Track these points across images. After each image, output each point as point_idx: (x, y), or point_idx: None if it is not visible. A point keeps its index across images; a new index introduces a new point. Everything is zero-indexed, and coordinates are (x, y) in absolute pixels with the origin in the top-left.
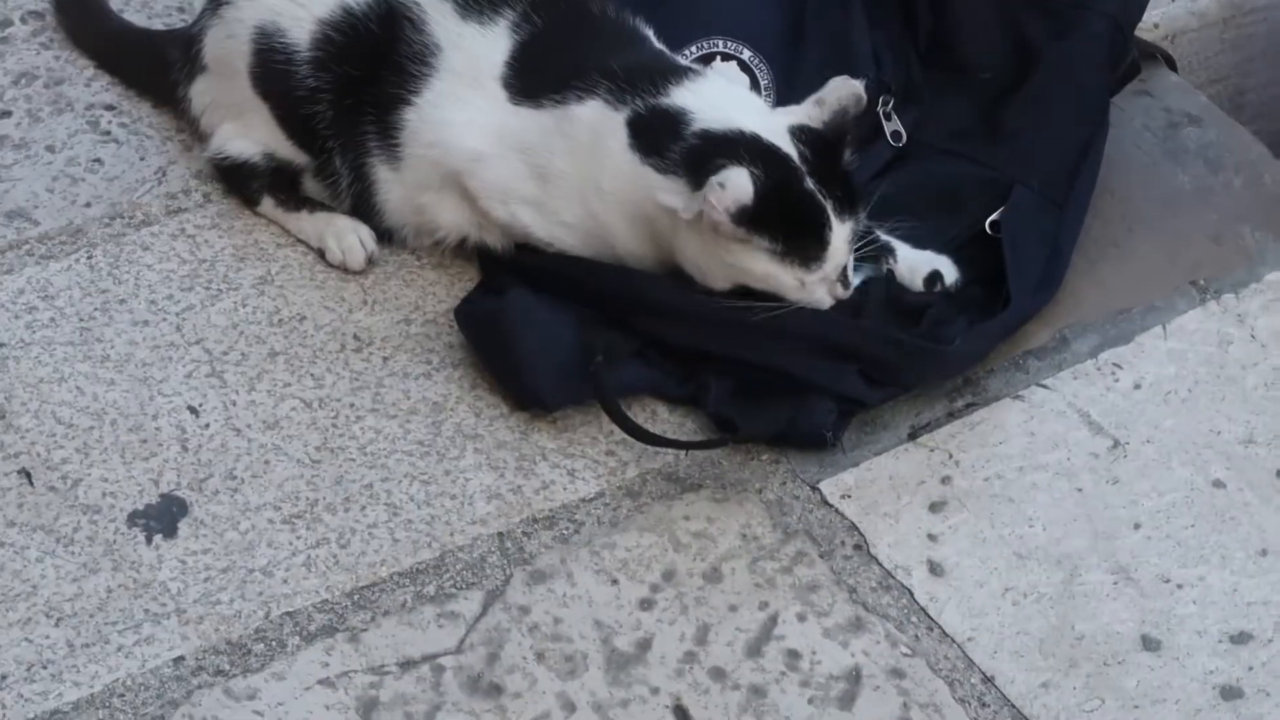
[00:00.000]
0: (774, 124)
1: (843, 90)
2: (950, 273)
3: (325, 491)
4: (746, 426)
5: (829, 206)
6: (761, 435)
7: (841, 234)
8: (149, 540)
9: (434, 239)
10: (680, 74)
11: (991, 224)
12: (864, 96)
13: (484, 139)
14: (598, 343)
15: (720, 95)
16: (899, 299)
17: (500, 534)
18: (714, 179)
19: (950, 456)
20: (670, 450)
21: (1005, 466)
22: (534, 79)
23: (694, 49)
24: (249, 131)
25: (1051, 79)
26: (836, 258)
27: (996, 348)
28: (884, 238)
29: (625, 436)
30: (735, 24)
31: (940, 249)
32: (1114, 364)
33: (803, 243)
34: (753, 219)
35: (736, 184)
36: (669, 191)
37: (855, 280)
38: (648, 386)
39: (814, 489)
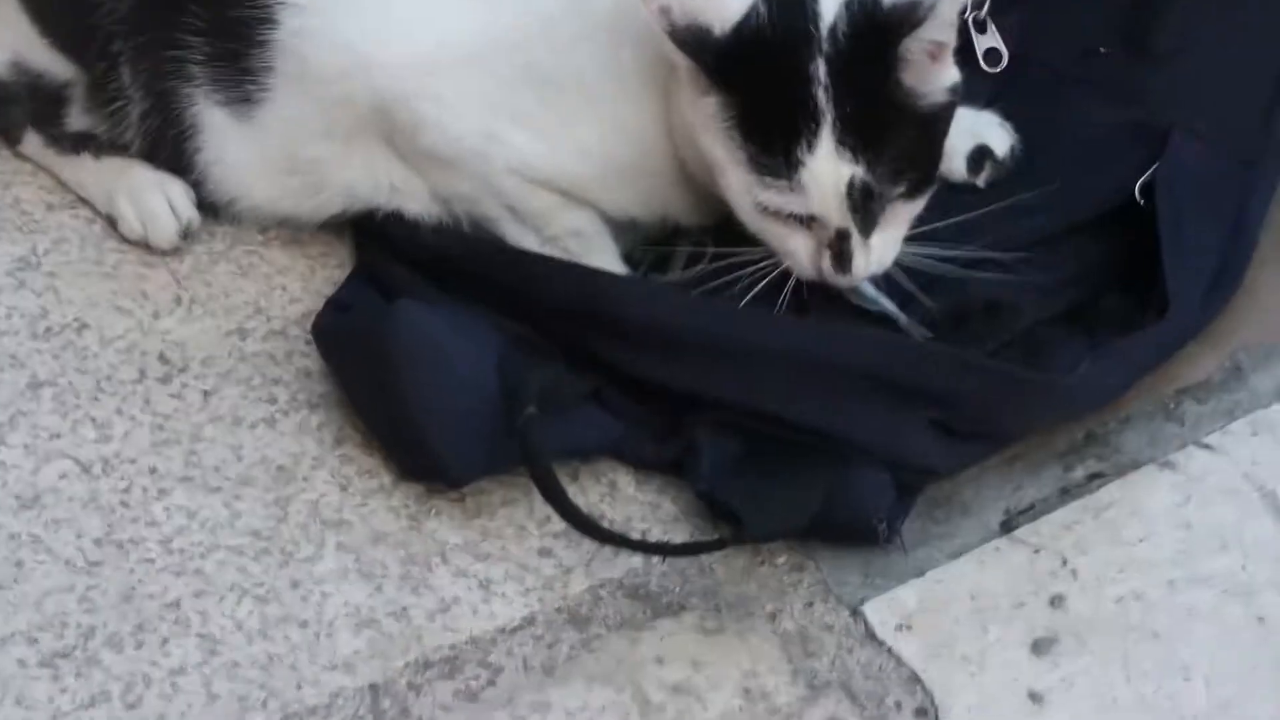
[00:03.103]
0: None
1: None
2: (1001, 140)
3: (107, 614)
4: (754, 520)
5: (827, 117)
6: (777, 532)
7: (832, 171)
8: None
9: (306, 213)
10: None
11: (1142, 189)
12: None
13: (436, 41)
14: (530, 380)
15: None
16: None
17: (374, 686)
18: None
19: (1064, 562)
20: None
21: (1146, 579)
22: None
23: None
24: None
25: None
26: (819, 201)
27: (1139, 380)
28: None
29: (569, 526)
30: None
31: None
32: None
33: (764, 140)
34: (716, 63)
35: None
36: None
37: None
38: (606, 445)
39: (855, 613)
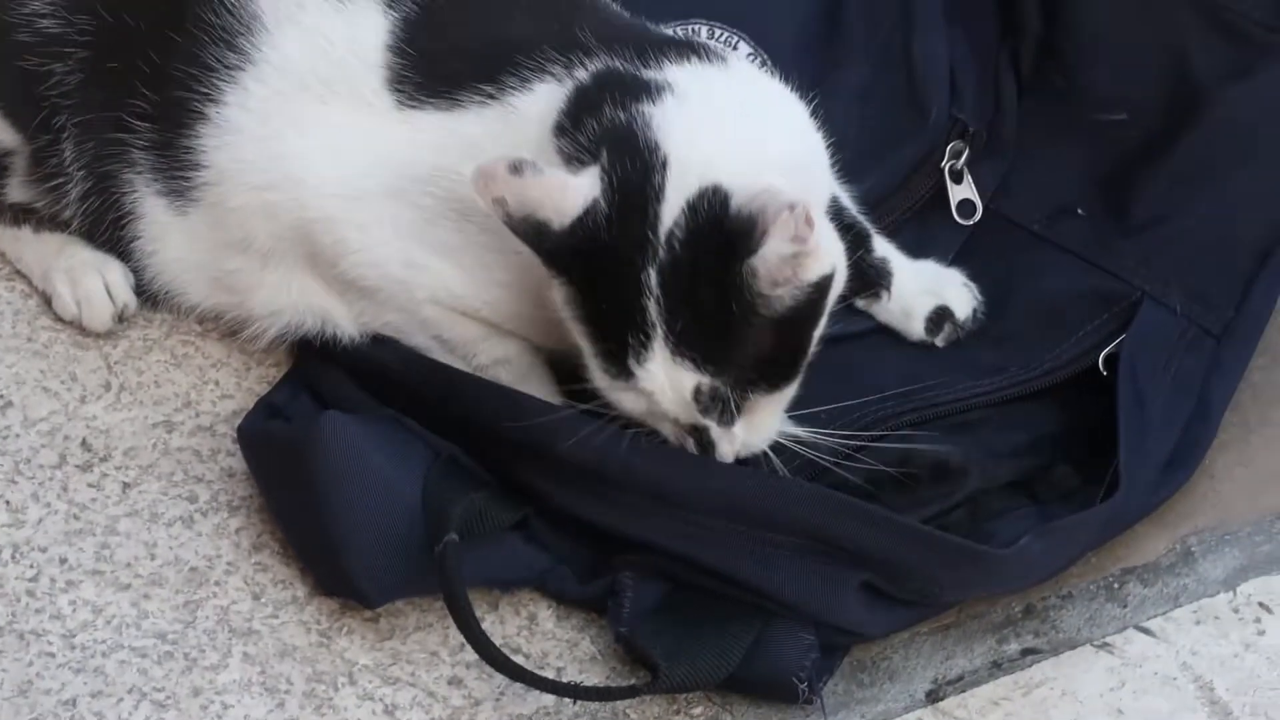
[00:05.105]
0: (720, 162)
1: (769, 202)
2: (963, 301)
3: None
4: (671, 670)
5: (658, 331)
6: (694, 684)
7: (668, 373)
8: None
9: (248, 334)
10: (691, 50)
11: (1105, 360)
12: (798, 232)
13: (360, 168)
14: (454, 506)
15: (729, 86)
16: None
17: None
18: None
19: None
20: None
21: None
22: (442, 68)
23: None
24: None
25: (1221, 138)
26: (663, 404)
27: (1084, 556)
28: (880, 252)
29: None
30: (735, 3)
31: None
32: (1261, 604)
33: (603, 341)
34: (553, 258)
35: (554, 185)
36: None
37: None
38: (528, 579)
39: None
